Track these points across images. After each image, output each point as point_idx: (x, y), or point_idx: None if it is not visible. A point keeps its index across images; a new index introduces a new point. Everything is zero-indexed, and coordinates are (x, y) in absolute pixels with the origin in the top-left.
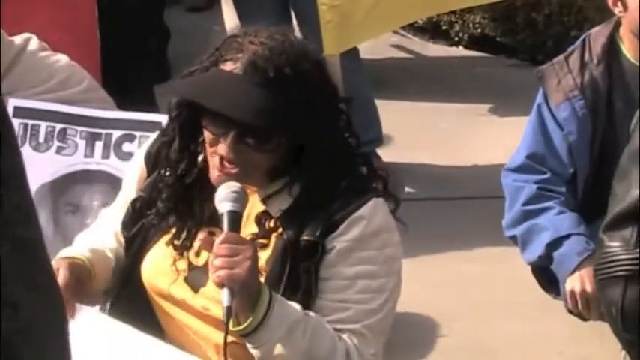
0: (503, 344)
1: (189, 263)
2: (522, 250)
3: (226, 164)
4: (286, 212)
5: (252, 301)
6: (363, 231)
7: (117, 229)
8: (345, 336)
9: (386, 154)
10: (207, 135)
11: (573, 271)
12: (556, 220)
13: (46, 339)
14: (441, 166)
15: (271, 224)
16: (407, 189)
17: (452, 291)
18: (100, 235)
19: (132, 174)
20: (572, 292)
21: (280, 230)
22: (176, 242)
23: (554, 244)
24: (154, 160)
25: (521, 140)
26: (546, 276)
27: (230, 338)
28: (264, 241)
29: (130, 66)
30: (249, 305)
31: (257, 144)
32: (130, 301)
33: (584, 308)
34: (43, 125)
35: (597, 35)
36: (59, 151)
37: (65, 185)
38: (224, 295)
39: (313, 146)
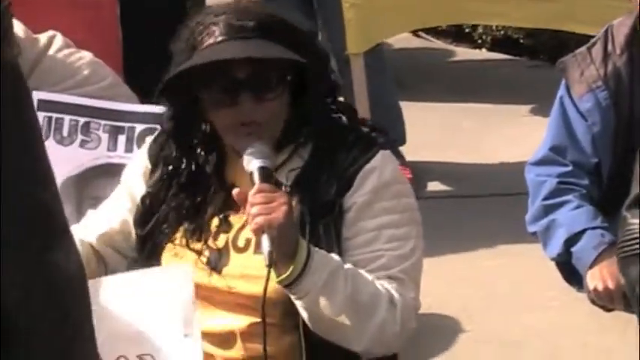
0: (527, 337)
1: (209, 247)
2: (543, 246)
3: (245, 128)
4: (299, 176)
5: (292, 248)
6: (377, 182)
7: (112, 223)
8: (384, 282)
9: (409, 153)
10: (217, 116)
11: (592, 265)
12: (573, 215)
13: None
14: (463, 164)
15: (286, 191)
16: (430, 187)
17: (476, 285)
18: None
19: (135, 169)
20: (595, 286)
21: (295, 196)
22: (193, 230)
23: (571, 240)
24: (156, 155)
25: (544, 134)
26: (569, 269)
27: (253, 320)
28: None
29: (151, 68)
30: (290, 252)
31: (268, 90)
32: None
33: (607, 300)
34: (67, 118)
35: (620, 26)
36: (83, 144)
37: (89, 178)
38: (264, 241)
39: (314, 84)
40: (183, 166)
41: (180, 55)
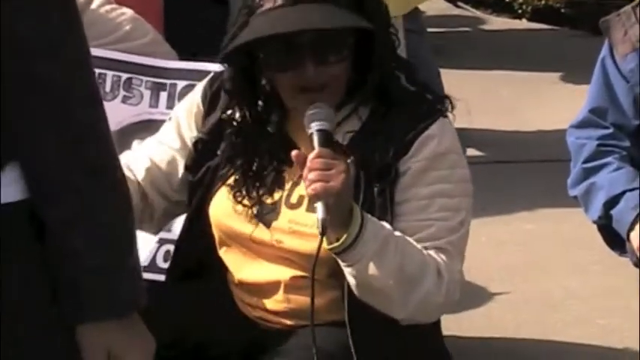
0: (567, 299)
1: (260, 201)
2: (585, 210)
3: (309, 91)
4: (356, 136)
5: (346, 217)
6: (435, 149)
7: (155, 161)
8: (432, 252)
9: None
10: (278, 78)
11: (632, 226)
12: (612, 177)
13: None
14: (501, 130)
15: (342, 151)
16: (468, 152)
17: (516, 249)
18: (131, 165)
19: (187, 110)
20: (637, 246)
21: (352, 156)
22: (246, 183)
23: (611, 202)
24: (210, 100)
25: (586, 97)
26: (611, 234)
27: (297, 273)
28: None
29: (192, 36)
30: (343, 221)
31: (331, 54)
32: (194, 244)
33: None
34: (110, 74)
35: None
36: (125, 100)
37: (130, 134)
38: (319, 208)
39: (379, 48)
40: (241, 116)
41: (239, 16)
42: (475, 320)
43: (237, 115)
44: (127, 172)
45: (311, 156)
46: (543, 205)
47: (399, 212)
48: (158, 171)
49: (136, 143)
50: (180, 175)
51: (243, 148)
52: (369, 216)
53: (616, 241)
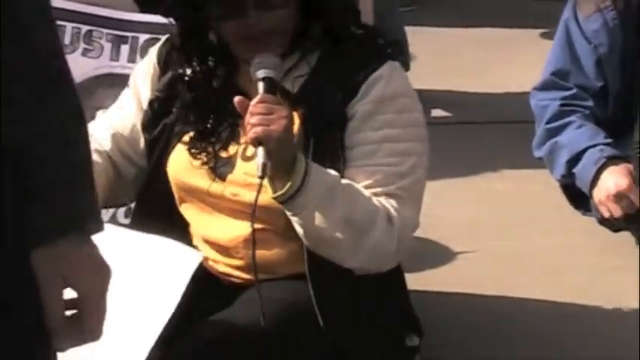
0: (531, 257)
1: (216, 155)
2: (550, 170)
3: (255, 39)
4: (305, 83)
5: (289, 164)
6: (383, 91)
7: (118, 129)
8: (382, 199)
9: (412, 79)
10: (222, 28)
11: (594, 182)
12: (574, 135)
13: None
14: (469, 92)
15: (291, 99)
16: (434, 113)
17: (481, 207)
18: (96, 137)
19: (143, 73)
20: (599, 200)
21: (301, 103)
22: (201, 137)
23: (573, 160)
24: (165, 59)
25: (547, 59)
26: (575, 193)
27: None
28: None
29: None
30: (287, 168)
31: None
32: (155, 202)
33: (613, 208)
34: (69, 26)
35: None
36: (85, 53)
37: (91, 88)
38: (259, 152)
39: None
40: (192, 72)
41: None
42: (438, 276)
43: (189, 71)
44: (93, 144)
45: (253, 101)
46: (509, 166)
47: (349, 158)
48: (122, 137)
49: (100, 113)
50: (142, 138)
51: (196, 105)
52: (315, 164)
53: (580, 199)
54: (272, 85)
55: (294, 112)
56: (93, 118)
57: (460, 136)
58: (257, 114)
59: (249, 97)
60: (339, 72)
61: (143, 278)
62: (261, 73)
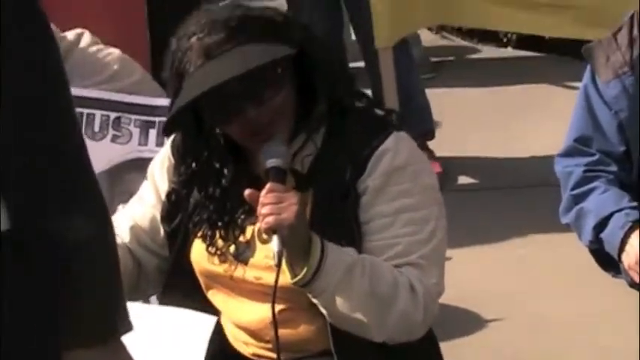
0: (564, 323)
1: (236, 239)
2: (578, 236)
3: (259, 133)
4: (314, 162)
5: (304, 249)
6: (392, 164)
7: (137, 220)
8: (403, 269)
9: (437, 147)
10: (225, 130)
11: (622, 246)
12: (599, 200)
13: None
14: (491, 157)
15: (301, 179)
16: (460, 180)
17: (509, 274)
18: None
19: (159, 165)
20: (628, 265)
21: (312, 183)
22: (220, 224)
23: (600, 225)
24: (179, 151)
25: (569, 125)
26: (604, 257)
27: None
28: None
29: None
30: (302, 253)
31: (264, 91)
32: (181, 291)
33: None
34: (98, 114)
35: None
36: (114, 139)
37: (120, 173)
38: (274, 241)
39: (316, 69)
40: (206, 162)
41: (171, 82)
42: (473, 347)
43: (202, 162)
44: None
45: (263, 192)
46: (535, 231)
47: (365, 232)
48: (141, 229)
49: (120, 207)
50: (162, 229)
51: (212, 192)
52: (331, 244)
53: (610, 263)
54: (280, 173)
55: (306, 192)
56: (124, 202)
57: (485, 203)
58: (267, 204)
59: (262, 182)
60: (345, 148)
61: (161, 350)
62: (268, 163)
